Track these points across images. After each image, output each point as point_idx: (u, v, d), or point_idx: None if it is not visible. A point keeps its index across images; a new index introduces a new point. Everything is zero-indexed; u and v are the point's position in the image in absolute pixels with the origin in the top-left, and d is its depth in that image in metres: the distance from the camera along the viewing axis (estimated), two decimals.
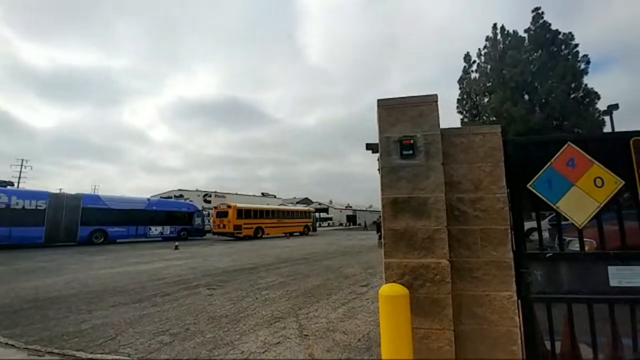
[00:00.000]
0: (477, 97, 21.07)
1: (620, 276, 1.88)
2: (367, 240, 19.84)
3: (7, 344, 3.38)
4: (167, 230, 21.81)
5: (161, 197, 33.79)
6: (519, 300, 1.93)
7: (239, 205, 23.88)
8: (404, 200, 1.92)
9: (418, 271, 1.87)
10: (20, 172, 45.74)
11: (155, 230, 21.15)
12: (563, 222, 2.02)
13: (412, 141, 1.95)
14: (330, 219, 63.89)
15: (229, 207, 22.98)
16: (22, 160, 46.38)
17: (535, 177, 1.97)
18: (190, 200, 32.49)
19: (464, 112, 21.65)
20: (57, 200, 17.01)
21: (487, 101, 19.99)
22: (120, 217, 19.25)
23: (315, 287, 6.28)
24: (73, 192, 18.78)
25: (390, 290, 1.64)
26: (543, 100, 18.22)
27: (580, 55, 17.81)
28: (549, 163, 1.97)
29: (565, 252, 2.02)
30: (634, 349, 1.80)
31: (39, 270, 8.84)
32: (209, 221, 27.52)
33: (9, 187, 17.13)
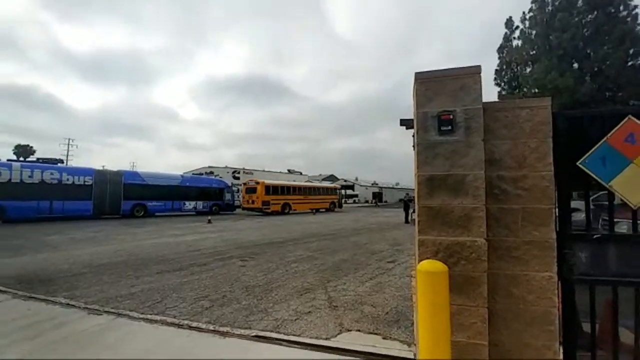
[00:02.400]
0: (518, 67, 19.42)
1: None
2: (394, 218, 19.75)
3: (68, 304, 3.82)
4: (200, 205, 22.97)
5: (193, 174, 35.33)
6: (559, 282, 1.86)
7: (267, 181, 24.46)
8: (441, 178, 1.87)
9: (453, 249, 1.84)
10: (68, 150, 49.60)
11: (189, 205, 22.35)
12: (606, 203, 1.89)
13: (451, 116, 1.86)
14: (356, 195, 63.91)
15: (258, 183, 23.61)
16: (69, 139, 50.10)
17: (587, 154, 1.83)
18: (220, 177, 33.70)
19: (503, 83, 20.14)
20: (102, 177, 18.34)
21: (529, 71, 18.39)
22: (157, 192, 20.49)
23: (342, 261, 6.43)
24: (115, 169, 20.11)
25: (430, 266, 1.64)
26: (595, 69, 16.46)
27: None
28: (604, 138, 1.81)
29: (615, 233, 1.90)
30: None
31: (90, 239, 9.74)
32: (238, 197, 28.56)
33: (59, 164, 18.62)
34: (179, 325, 3.17)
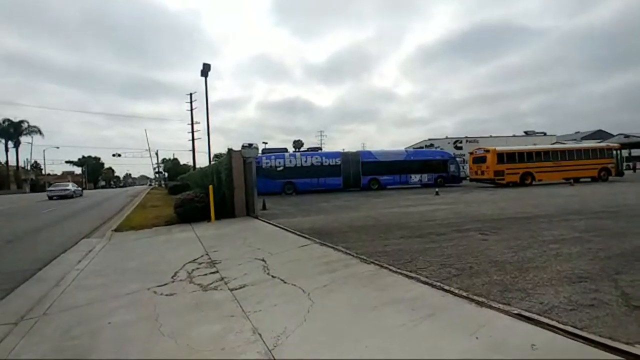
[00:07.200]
0: None
1: None
2: None
3: (346, 252, 5.10)
4: (425, 177, 23.58)
5: (414, 148, 36.61)
6: None
7: (499, 148, 21.18)
8: None
9: None
10: (321, 139, 65.53)
11: (415, 177, 23.51)
12: None
13: None
14: None
15: (487, 151, 20.96)
16: (321, 132, 66.20)
17: None
18: (441, 148, 32.82)
19: None
20: (346, 157, 22.90)
21: None
22: (386, 167, 23.08)
23: (639, 249, 4.59)
24: (352, 150, 24.41)
25: None
26: None
27: None
28: None
29: None
30: None
31: (345, 207, 12.48)
32: (463, 168, 26.84)
33: (319, 151, 24.96)
34: (432, 285, 3.46)
